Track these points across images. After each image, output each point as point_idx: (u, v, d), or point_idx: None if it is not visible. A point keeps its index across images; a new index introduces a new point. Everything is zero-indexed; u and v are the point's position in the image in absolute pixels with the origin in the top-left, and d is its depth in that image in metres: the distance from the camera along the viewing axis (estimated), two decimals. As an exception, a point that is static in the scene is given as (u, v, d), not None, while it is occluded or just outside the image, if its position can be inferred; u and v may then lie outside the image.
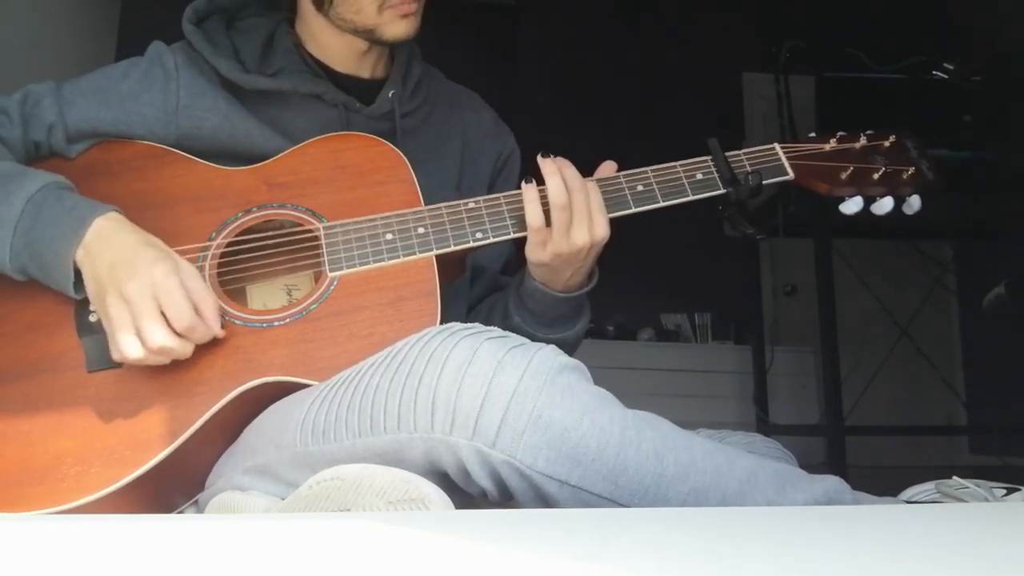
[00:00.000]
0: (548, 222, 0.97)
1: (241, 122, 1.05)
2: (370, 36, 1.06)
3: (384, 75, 1.16)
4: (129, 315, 0.86)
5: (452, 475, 0.75)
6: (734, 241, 3.16)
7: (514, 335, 0.78)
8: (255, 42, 1.11)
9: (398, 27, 1.04)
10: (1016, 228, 2.63)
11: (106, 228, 0.90)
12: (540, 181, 1.01)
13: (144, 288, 0.86)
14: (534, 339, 1.03)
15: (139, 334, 0.86)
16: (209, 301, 0.90)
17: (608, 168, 1.03)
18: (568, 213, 0.96)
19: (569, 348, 1.05)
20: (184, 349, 0.88)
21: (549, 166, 0.97)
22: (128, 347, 0.86)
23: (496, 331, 0.78)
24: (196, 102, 1.04)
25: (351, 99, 1.09)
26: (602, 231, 0.97)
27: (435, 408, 0.73)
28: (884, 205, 1.06)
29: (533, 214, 0.97)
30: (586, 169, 1.02)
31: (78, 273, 0.90)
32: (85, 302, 0.93)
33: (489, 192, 1.16)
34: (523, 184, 0.98)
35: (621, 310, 3.49)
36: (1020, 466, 2.61)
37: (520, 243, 1.05)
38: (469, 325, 0.79)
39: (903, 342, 2.87)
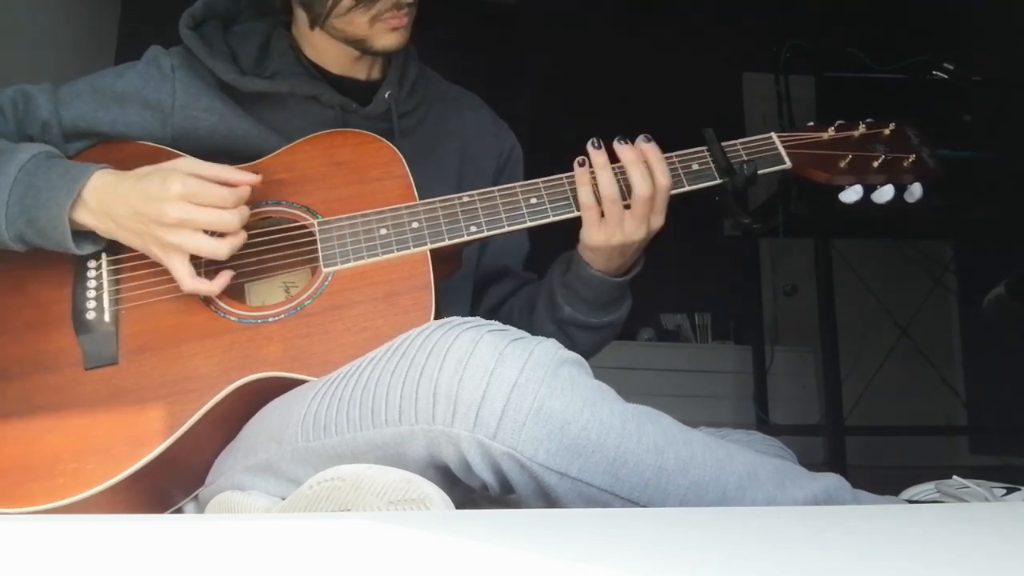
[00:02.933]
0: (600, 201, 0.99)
1: (238, 123, 1.05)
2: (360, 46, 1.08)
3: (380, 76, 1.16)
4: (189, 230, 0.92)
5: (453, 468, 0.75)
6: (734, 241, 3.16)
7: (514, 328, 0.78)
8: (252, 45, 1.11)
9: (388, 39, 1.06)
10: (1016, 228, 2.63)
11: (103, 185, 0.93)
12: (544, 173, 1.02)
13: (177, 205, 0.91)
14: (588, 326, 1.10)
15: (208, 233, 0.92)
16: (223, 171, 0.95)
17: None
18: (619, 207, 0.98)
19: (617, 328, 1.12)
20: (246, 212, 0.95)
21: (599, 158, 0.99)
22: (216, 249, 0.92)
23: (496, 324, 0.78)
24: (192, 103, 1.05)
25: (347, 100, 1.10)
26: (658, 223, 1.00)
27: (436, 400, 0.73)
28: (884, 193, 1.05)
29: (584, 194, 0.99)
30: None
31: (78, 233, 0.94)
32: (83, 301, 0.95)
33: None
34: (575, 166, 1.00)
35: (621, 310, 3.47)
36: (1020, 466, 2.61)
37: (533, 237, 1.05)
38: (470, 319, 0.79)
39: (903, 342, 2.87)
